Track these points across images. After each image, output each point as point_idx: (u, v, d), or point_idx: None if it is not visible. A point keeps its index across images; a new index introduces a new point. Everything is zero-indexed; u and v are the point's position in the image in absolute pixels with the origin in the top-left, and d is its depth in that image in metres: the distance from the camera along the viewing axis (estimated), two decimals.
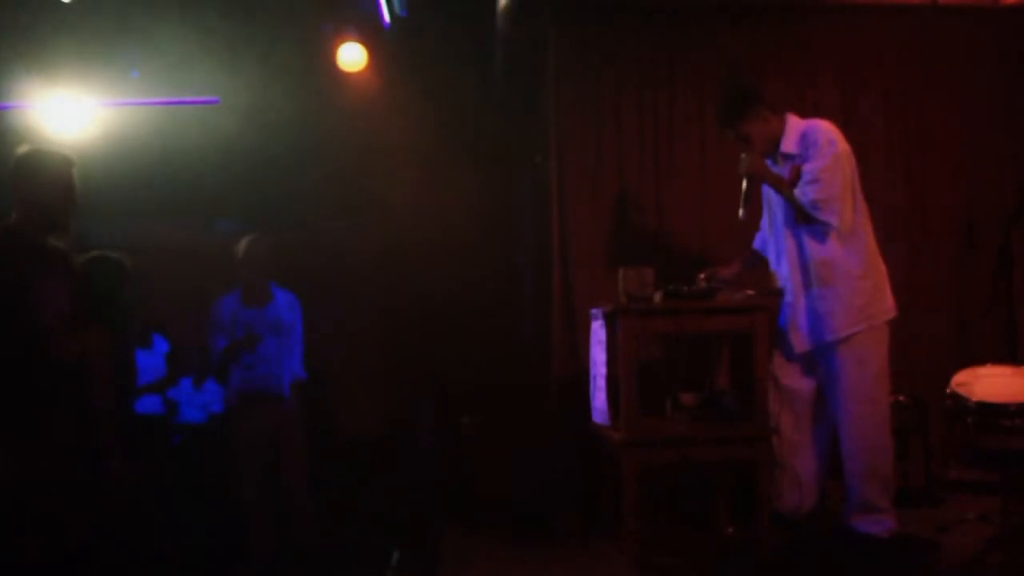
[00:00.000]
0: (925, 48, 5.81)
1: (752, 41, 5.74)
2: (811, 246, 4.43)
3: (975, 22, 5.85)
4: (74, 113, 5.67)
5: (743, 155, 4.46)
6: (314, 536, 4.86)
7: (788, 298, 4.57)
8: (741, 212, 4.43)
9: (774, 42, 5.78)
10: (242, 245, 5.06)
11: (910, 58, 5.81)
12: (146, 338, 5.81)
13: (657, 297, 4.40)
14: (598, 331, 4.68)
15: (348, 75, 5.96)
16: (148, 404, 5.55)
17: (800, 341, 4.51)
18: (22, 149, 3.65)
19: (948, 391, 4.70)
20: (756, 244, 4.88)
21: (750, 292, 4.53)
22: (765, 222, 4.78)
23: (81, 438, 3.59)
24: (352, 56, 5.85)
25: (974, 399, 4.53)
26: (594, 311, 4.77)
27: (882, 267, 4.51)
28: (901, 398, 5.05)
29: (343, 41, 5.83)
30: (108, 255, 4.58)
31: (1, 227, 3.51)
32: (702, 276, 4.68)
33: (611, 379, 4.44)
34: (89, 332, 3.61)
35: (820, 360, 4.52)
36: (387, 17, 5.81)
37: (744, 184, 4.44)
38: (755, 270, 4.83)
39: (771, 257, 4.71)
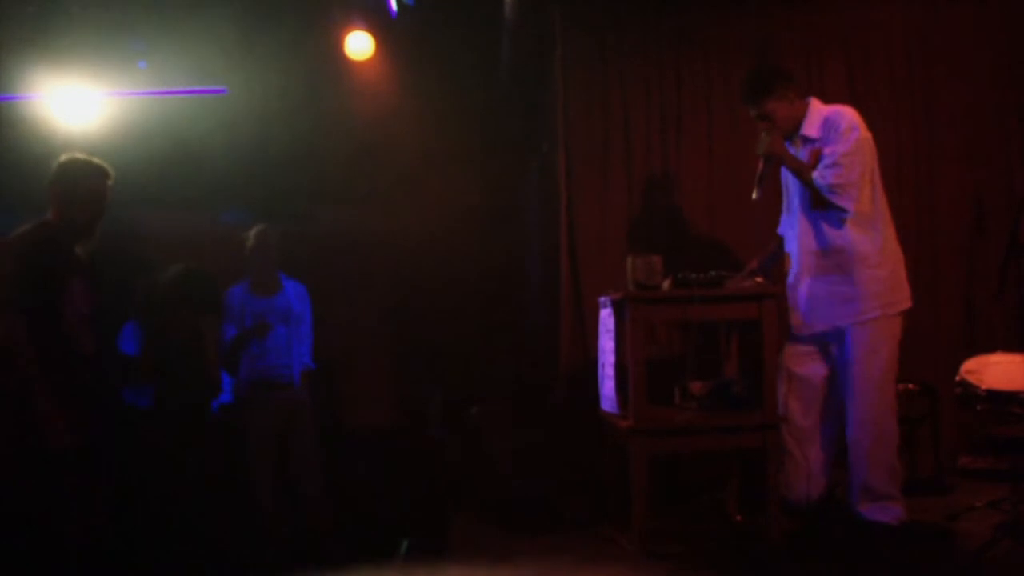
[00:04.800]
0: (932, 31, 5.78)
1: (760, 25, 5.72)
2: (827, 231, 4.42)
3: (982, 2, 5.80)
4: (82, 104, 5.67)
5: (762, 134, 4.44)
6: (325, 524, 4.87)
7: (790, 279, 4.56)
8: (755, 193, 4.42)
9: (782, 26, 5.75)
10: (250, 235, 5.06)
11: (917, 41, 5.78)
12: None
13: (665, 285, 4.40)
14: (606, 319, 4.68)
15: (356, 64, 5.95)
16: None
17: (814, 323, 4.49)
18: (65, 157, 3.93)
19: (957, 379, 4.68)
20: (780, 229, 4.86)
21: (759, 279, 4.52)
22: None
23: (100, 427, 3.79)
24: (360, 45, 5.84)
25: (984, 387, 4.51)
26: (602, 299, 4.77)
27: (900, 256, 4.50)
28: (911, 386, 5.04)
29: (351, 30, 5.82)
30: (195, 267, 4.75)
31: (39, 226, 3.80)
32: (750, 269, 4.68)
33: (619, 367, 4.44)
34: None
35: (833, 345, 4.52)
36: (395, 6, 5.80)
37: (761, 164, 4.43)
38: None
39: (788, 239, 4.70)
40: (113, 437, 4.01)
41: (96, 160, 3.97)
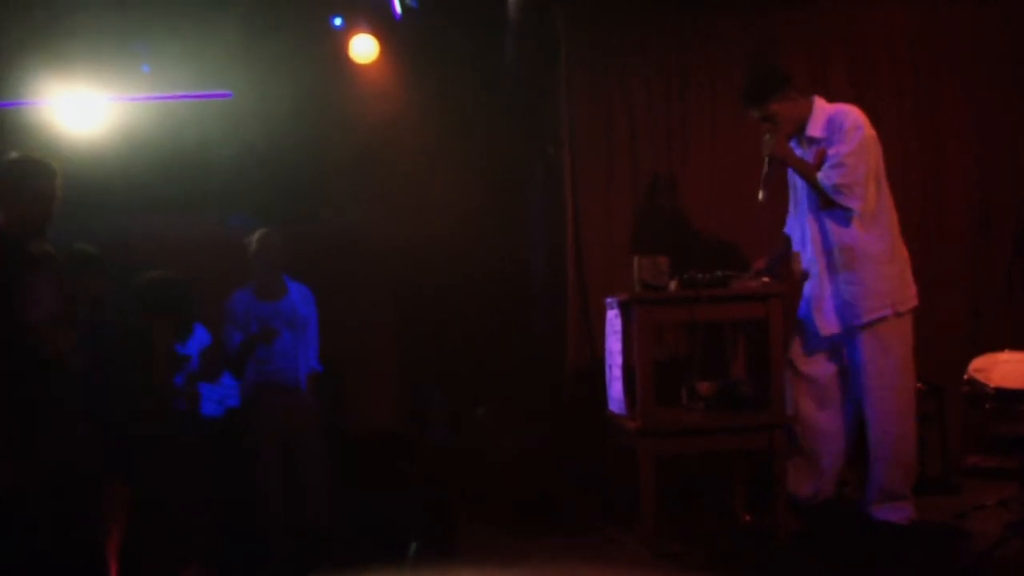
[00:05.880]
0: (933, 31, 5.77)
1: (762, 24, 5.72)
2: (834, 231, 4.42)
3: (983, 3, 5.80)
4: (87, 109, 5.67)
5: (767, 136, 4.44)
6: (332, 528, 4.87)
7: (813, 280, 4.54)
8: (761, 194, 4.42)
9: (785, 27, 5.75)
10: (254, 239, 5.06)
11: (919, 41, 5.77)
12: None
13: (672, 285, 4.39)
14: (613, 320, 4.67)
15: (360, 67, 5.95)
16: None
17: (825, 324, 4.48)
18: (11, 155, 3.81)
19: (966, 377, 4.68)
20: (787, 229, 4.85)
21: (766, 279, 4.51)
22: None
23: (72, 430, 3.69)
24: (364, 48, 5.84)
25: (992, 385, 4.51)
26: (609, 300, 4.76)
27: (905, 254, 4.50)
28: (918, 385, 5.03)
29: (355, 33, 5.83)
30: (168, 274, 4.60)
31: None
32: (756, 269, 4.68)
33: (627, 368, 4.44)
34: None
35: (845, 346, 4.51)
36: (398, 9, 5.81)
37: (766, 166, 4.42)
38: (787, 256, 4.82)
39: (795, 239, 4.70)
40: (96, 441, 3.89)
41: (44, 159, 3.84)
